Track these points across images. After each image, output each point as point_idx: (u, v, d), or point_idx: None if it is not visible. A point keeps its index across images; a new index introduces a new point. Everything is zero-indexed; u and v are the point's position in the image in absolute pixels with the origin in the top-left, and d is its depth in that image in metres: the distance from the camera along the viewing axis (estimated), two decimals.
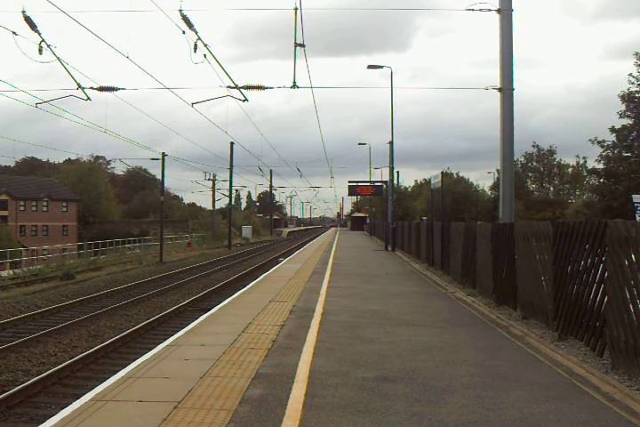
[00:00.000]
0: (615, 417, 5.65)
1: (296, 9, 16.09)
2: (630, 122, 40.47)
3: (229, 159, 56.32)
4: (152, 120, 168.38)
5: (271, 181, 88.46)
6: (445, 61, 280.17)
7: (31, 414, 8.76)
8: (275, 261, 31.20)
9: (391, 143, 36.37)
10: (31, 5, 46.94)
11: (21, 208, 67.46)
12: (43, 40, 14.17)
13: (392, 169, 37.20)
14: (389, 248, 35.93)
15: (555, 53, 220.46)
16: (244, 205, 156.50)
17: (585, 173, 63.40)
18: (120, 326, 16.05)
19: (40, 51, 14.26)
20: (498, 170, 42.76)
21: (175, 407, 5.74)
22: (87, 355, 11.88)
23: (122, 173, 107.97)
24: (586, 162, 67.06)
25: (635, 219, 18.47)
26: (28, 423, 8.34)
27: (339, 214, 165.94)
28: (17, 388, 9.51)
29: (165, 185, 54.30)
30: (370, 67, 31.98)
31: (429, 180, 25.27)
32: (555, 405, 5.94)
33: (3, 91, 34.74)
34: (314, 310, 11.88)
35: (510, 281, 11.67)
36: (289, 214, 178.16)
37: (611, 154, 41.28)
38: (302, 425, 5.29)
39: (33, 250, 55.19)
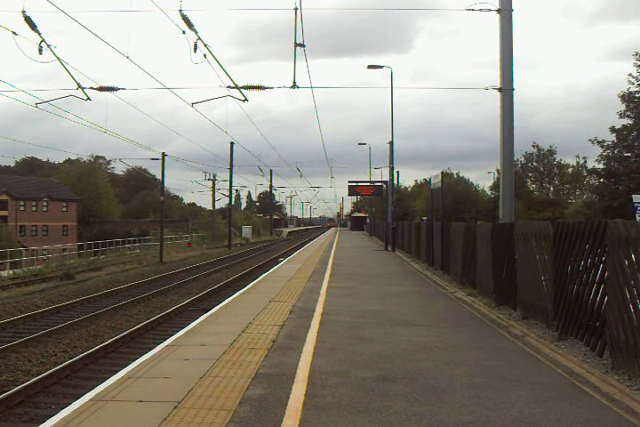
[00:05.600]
0: (615, 417, 5.65)
1: (296, 9, 16.12)
2: (630, 122, 40.50)
3: (229, 159, 56.36)
4: (153, 120, 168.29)
5: (271, 181, 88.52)
6: (447, 63, 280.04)
7: (31, 414, 8.76)
8: (275, 261, 31.19)
9: (391, 143, 36.39)
10: (31, 5, 46.96)
11: (21, 208, 67.45)
12: (43, 40, 14.18)
13: (392, 169, 37.22)
14: (389, 248, 35.92)
15: (555, 54, 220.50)
16: (243, 205, 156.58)
17: (585, 173, 63.40)
18: (120, 326, 16.05)
19: (40, 51, 14.27)
20: (498, 170, 42.80)
21: (175, 407, 5.74)
22: (87, 355, 11.89)
23: (122, 173, 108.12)
24: (586, 162, 67.12)
25: (635, 219, 18.47)
26: (28, 423, 8.34)
27: (339, 214, 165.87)
28: (17, 388, 9.51)
29: (165, 185, 54.35)
30: (370, 67, 31.96)
31: (429, 180, 25.26)
32: (555, 405, 5.94)
33: (3, 91, 34.76)
34: (314, 310, 11.88)
35: (510, 281, 11.67)
36: (289, 214, 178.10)
37: (611, 154, 41.30)
38: (302, 425, 5.29)
39: (33, 250, 55.19)
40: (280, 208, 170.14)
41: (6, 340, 13.98)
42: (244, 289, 15.97)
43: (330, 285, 16.63)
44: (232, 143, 55.39)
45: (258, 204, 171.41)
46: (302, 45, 16.85)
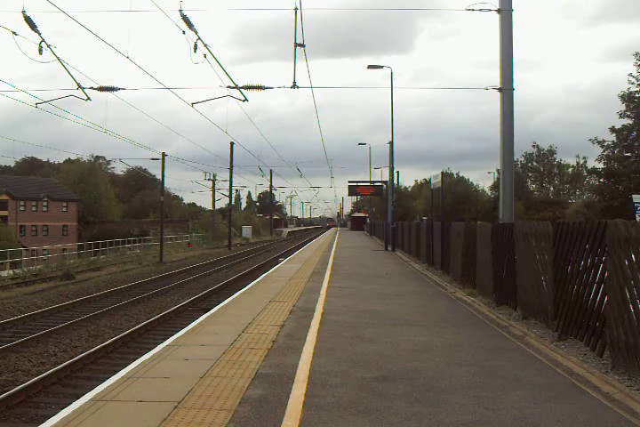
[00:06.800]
0: (615, 417, 5.65)
1: (296, 9, 16.11)
2: (630, 122, 40.52)
3: (229, 159, 56.39)
4: (154, 121, 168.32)
5: (271, 181, 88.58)
6: (448, 63, 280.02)
7: (31, 414, 8.76)
8: (275, 261, 31.19)
9: (391, 143, 36.35)
10: (31, 5, 46.94)
11: (21, 208, 67.44)
12: (43, 40, 14.17)
13: (392, 169, 37.20)
14: (389, 248, 35.91)
15: (555, 55, 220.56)
16: (244, 206, 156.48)
17: (585, 173, 63.48)
18: (120, 326, 16.05)
19: (40, 51, 14.26)
20: (498, 170, 42.79)
21: (175, 407, 5.74)
22: (87, 355, 11.89)
23: (122, 173, 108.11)
24: (586, 162, 67.29)
25: (635, 219, 18.47)
26: (28, 423, 8.34)
27: (339, 214, 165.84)
28: (17, 388, 9.51)
29: (165, 185, 54.35)
30: (370, 67, 31.95)
31: (429, 180, 25.27)
32: (555, 405, 5.94)
33: (3, 91, 34.79)
34: (314, 310, 11.88)
35: (510, 281, 11.67)
36: (289, 214, 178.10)
37: (611, 154, 41.32)
38: (302, 425, 5.29)
39: (33, 250, 55.19)
40: (280, 208, 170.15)
41: (6, 340, 13.98)
42: (244, 289, 15.97)
43: (330, 285, 16.63)
44: (232, 143, 55.45)
45: (258, 204, 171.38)
46: (302, 45, 16.85)
